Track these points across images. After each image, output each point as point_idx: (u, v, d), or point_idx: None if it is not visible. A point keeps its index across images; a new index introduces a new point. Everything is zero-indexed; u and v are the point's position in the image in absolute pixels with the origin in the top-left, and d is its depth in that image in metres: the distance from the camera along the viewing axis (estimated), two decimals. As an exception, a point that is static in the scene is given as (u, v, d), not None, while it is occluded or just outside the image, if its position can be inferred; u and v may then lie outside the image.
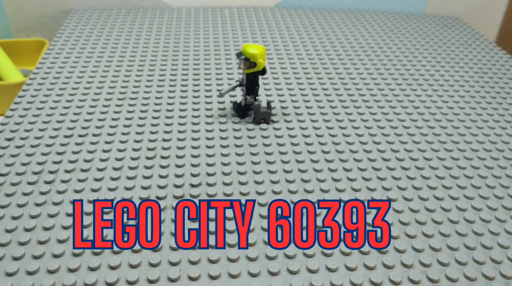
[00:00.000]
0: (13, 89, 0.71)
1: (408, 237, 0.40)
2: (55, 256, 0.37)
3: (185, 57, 0.71)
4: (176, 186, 0.45)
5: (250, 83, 0.52)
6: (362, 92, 0.64)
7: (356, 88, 0.65)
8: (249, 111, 0.55)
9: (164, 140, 0.51)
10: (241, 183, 0.46)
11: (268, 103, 0.54)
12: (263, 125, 0.54)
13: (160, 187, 0.45)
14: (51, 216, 0.41)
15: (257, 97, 0.53)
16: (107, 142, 0.51)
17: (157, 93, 0.61)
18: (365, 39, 0.81)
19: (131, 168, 0.47)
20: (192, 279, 0.36)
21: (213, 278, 0.36)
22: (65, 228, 0.40)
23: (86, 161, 0.48)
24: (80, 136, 0.52)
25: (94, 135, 0.52)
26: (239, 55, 0.51)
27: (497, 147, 0.54)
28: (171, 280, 0.36)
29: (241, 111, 0.55)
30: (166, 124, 0.54)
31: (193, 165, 0.48)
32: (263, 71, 0.52)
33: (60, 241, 0.38)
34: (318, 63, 0.71)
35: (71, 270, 0.36)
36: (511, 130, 0.57)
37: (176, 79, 0.64)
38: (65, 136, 0.51)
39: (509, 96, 0.65)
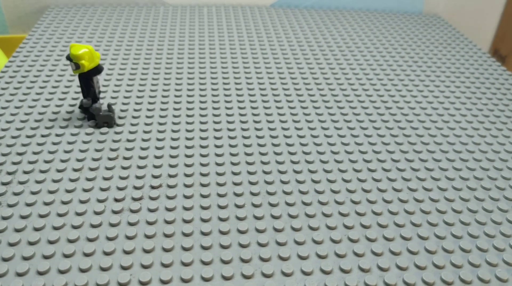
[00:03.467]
0: None
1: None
2: (4, 260, 0.36)
3: (164, 56, 0.70)
4: (136, 188, 0.44)
5: (83, 85, 0.50)
6: (358, 92, 0.63)
7: (352, 88, 0.64)
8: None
9: (128, 140, 0.51)
10: (202, 185, 0.45)
11: (109, 105, 0.52)
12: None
13: (119, 189, 0.44)
14: (4, 218, 0.40)
15: (98, 100, 0.51)
16: (69, 143, 0.50)
17: (126, 93, 0.60)
18: (361, 39, 0.80)
19: (91, 169, 0.46)
20: (142, 283, 0.35)
21: (164, 282, 0.35)
22: (17, 230, 0.39)
23: (46, 162, 0.47)
24: (42, 136, 0.51)
25: (57, 135, 0.51)
26: (67, 57, 0.49)
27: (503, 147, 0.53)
28: (121, 285, 0.35)
29: (89, 114, 0.53)
30: (132, 124, 0.53)
31: (155, 166, 0.47)
32: (96, 71, 0.50)
33: (10, 244, 0.37)
34: (314, 62, 0.70)
35: (19, 274, 0.35)
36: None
37: (147, 79, 0.63)
38: (27, 136, 0.50)
39: (496, 97, 0.65)
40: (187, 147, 0.50)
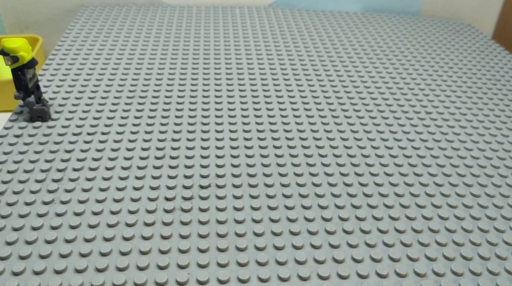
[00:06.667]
0: (5, 86, 0.71)
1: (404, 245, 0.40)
2: (63, 256, 0.37)
3: (189, 55, 0.70)
4: (185, 187, 0.44)
5: (16, 79, 0.50)
6: (351, 95, 0.62)
7: (345, 91, 0.63)
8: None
9: (174, 140, 0.51)
10: (250, 186, 0.45)
11: (43, 99, 0.52)
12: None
13: (169, 188, 0.44)
14: (58, 215, 0.40)
15: (32, 94, 0.51)
16: (116, 141, 0.50)
17: (167, 92, 0.60)
18: (358, 41, 0.80)
19: (139, 168, 0.46)
20: (200, 282, 0.35)
21: (222, 282, 0.35)
22: (72, 227, 0.39)
23: (94, 159, 0.47)
24: (88, 134, 0.51)
25: (103, 133, 0.51)
26: (1, 51, 0.48)
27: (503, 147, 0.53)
28: (180, 284, 0.35)
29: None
30: (176, 124, 0.54)
31: (202, 166, 0.47)
32: (30, 65, 0.49)
33: (67, 241, 0.38)
34: (308, 64, 0.70)
35: (78, 271, 0.35)
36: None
37: (186, 79, 0.64)
38: (74, 134, 0.51)
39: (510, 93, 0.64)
40: (232, 148, 0.50)
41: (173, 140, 0.51)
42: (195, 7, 0.89)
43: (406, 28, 0.87)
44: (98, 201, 0.42)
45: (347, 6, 0.95)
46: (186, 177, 0.45)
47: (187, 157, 0.48)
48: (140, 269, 0.36)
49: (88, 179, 0.44)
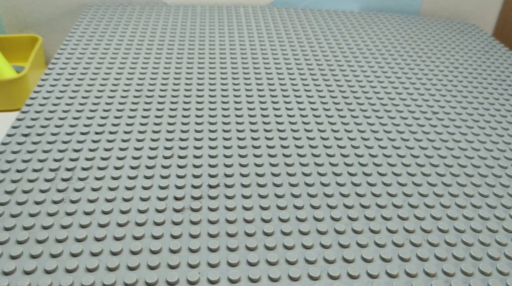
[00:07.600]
0: (5, 85, 0.71)
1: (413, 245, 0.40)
2: (73, 255, 0.37)
3: (195, 55, 0.70)
4: (194, 187, 0.44)
5: None
6: (357, 95, 0.62)
7: (351, 90, 0.63)
8: None
9: (181, 139, 0.51)
10: (259, 185, 0.45)
11: None
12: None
13: (178, 188, 0.44)
14: (68, 214, 0.40)
15: None
16: (123, 140, 0.50)
17: (173, 92, 0.60)
18: (363, 40, 0.80)
19: (148, 167, 0.46)
20: (211, 282, 0.35)
21: (232, 282, 0.35)
22: (83, 226, 0.39)
23: (103, 159, 0.47)
24: (96, 133, 0.51)
25: (110, 132, 0.51)
26: None
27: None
28: (191, 283, 0.35)
29: None
30: (183, 123, 0.54)
31: (210, 166, 0.47)
32: None
33: (78, 240, 0.38)
34: (314, 63, 0.70)
35: (90, 270, 0.35)
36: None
37: (192, 78, 0.64)
38: (82, 133, 0.51)
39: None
40: (240, 147, 0.50)
41: (181, 139, 0.51)
42: (199, 6, 0.89)
43: (410, 28, 0.87)
44: (108, 200, 0.42)
45: (348, 5, 0.95)
46: (195, 176, 0.46)
47: (195, 157, 0.48)
48: (151, 268, 0.36)
49: (97, 178, 0.44)
